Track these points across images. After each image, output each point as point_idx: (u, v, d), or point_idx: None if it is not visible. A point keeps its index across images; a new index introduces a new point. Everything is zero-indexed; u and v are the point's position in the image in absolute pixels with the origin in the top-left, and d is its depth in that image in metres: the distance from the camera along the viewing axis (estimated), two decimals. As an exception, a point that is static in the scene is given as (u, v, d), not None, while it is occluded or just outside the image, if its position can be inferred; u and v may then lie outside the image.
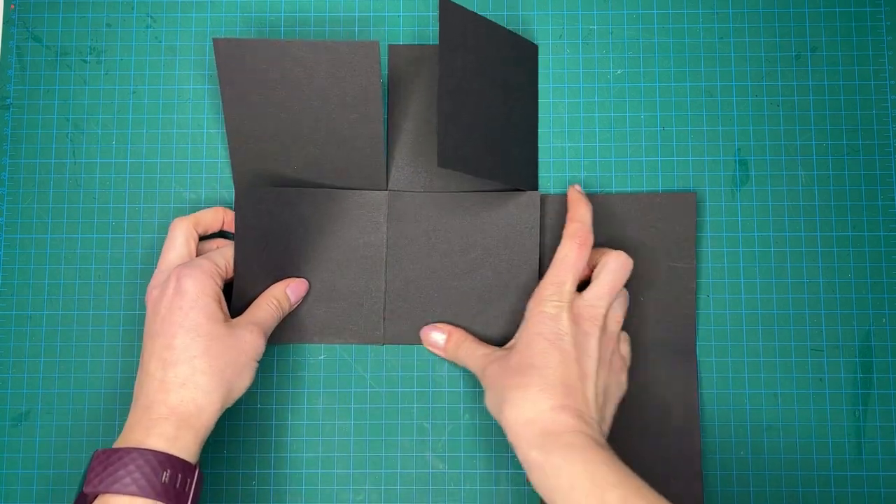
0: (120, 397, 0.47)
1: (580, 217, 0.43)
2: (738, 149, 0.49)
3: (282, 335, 0.47)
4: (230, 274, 0.46)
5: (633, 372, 0.46)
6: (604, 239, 0.47)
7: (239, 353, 0.41)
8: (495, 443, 0.47)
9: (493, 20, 0.50)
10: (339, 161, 0.47)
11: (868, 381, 0.47)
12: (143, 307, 0.48)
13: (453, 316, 0.47)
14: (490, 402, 0.41)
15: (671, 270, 0.47)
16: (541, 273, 0.47)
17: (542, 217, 0.48)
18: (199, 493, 0.39)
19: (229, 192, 0.49)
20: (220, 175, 0.49)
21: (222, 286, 0.44)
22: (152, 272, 0.48)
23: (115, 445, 0.38)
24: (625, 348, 0.44)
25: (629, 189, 0.48)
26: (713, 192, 0.49)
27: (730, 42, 0.50)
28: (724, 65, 0.50)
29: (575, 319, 0.41)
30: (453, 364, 0.47)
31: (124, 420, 0.46)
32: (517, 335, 0.43)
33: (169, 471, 0.37)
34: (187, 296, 0.41)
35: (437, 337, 0.46)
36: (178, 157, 0.49)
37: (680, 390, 0.46)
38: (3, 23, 0.50)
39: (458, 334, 0.46)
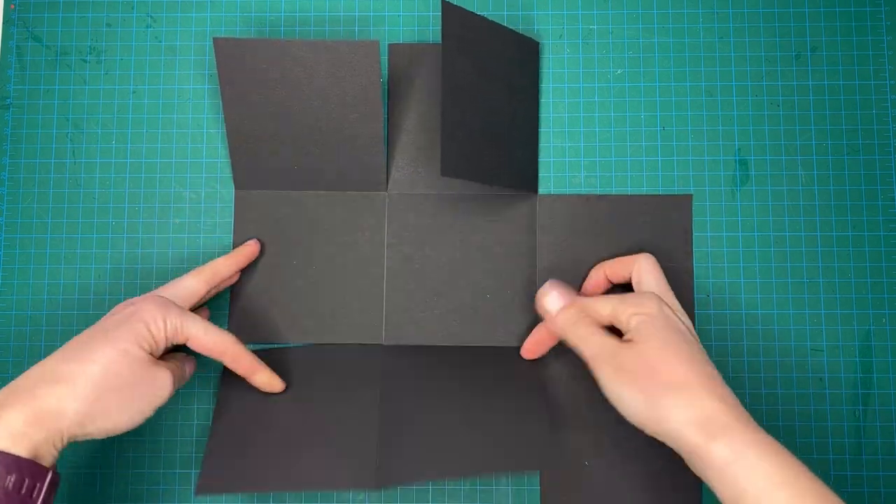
0: (120, 397, 0.47)
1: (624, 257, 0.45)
2: (738, 149, 0.49)
3: (282, 334, 0.47)
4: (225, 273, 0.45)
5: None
6: (602, 240, 0.47)
7: (144, 391, 0.39)
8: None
9: (494, 20, 0.50)
10: (339, 161, 0.47)
11: (868, 381, 0.47)
12: (142, 307, 0.48)
13: (452, 314, 0.47)
14: (632, 401, 0.38)
15: (669, 271, 0.47)
16: (538, 273, 0.47)
17: (539, 217, 0.48)
18: (51, 498, 0.35)
19: (229, 192, 0.49)
20: (220, 175, 0.49)
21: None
22: (152, 272, 0.48)
23: None
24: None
25: (629, 189, 0.48)
26: (713, 192, 0.49)
27: (730, 42, 0.50)
28: (724, 65, 0.50)
29: (673, 314, 0.41)
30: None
31: (124, 420, 0.47)
32: (642, 334, 0.39)
33: (14, 475, 0.33)
34: (136, 317, 0.39)
35: (552, 302, 0.43)
36: (178, 157, 0.49)
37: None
38: (3, 23, 0.50)
39: (578, 308, 0.42)
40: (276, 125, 0.46)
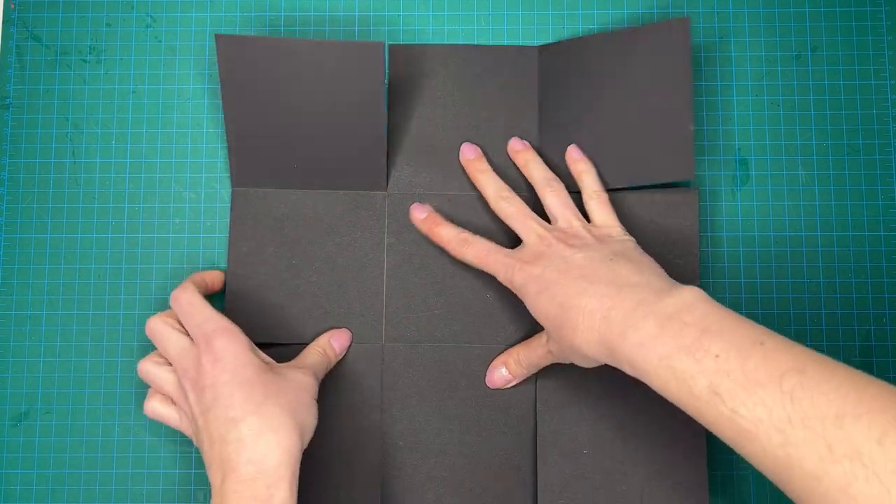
0: (119, 397, 0.47)
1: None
2: (738, 149, 0.49)
3: (281, 334, 0.47)
4: (212, 286, 0.46)
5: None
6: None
7: (298, 392, 0.40)
8: (495, 443, 0.47)
9: (494, 20, 0.50)
10: (339, 161, 0.47)
11: (868, 381, 0.47)
12: (143, 306, 0.48)
13: (453, 314, 0.47)
14: (573, 349, 0.38)
15: (674, 267, 0.47)
16: None
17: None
18: None
19: (229, 192, 0.49)
20: (219, 175, 0.49)
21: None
22: (152, 272, 0.48)
23: None
24: (599, 215, 0.45)
25: (632, 187, 0.48)
26: (713, 192, 0.49)
27: (730, 42, 0.50)
28: (724, 65, 0.50)
29: (559, 240, 0.42)
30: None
31: (124, 421, 0.47)
32: (541, 310, 0.40)
33: None
34: (226, 357, 0.39)
35: (498, 373, 0.46)
36: (178, 157, 0.49)
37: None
38: (3, 22, 0.50)
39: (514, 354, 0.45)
40: (276, 123, 0.46)
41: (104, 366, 0.47)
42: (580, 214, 0.44)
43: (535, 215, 0.44)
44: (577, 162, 0.47)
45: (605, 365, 0.44)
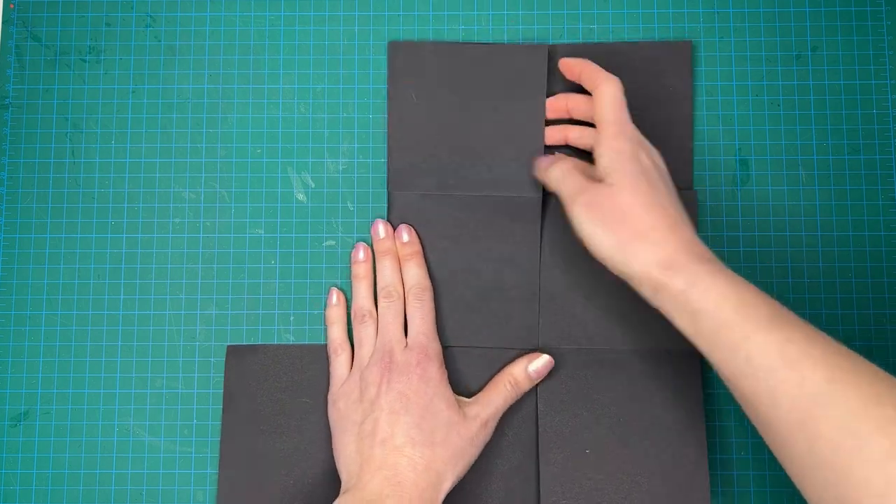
0: (119, 397, 0.47)
1: (593, 67, 0.45)
2: (739, 149, 0.49)
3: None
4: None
5: (637, 372, 0.46)
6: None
7: (471, 446, 0.42)
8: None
9: (494, 20, 0.50)
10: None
11: (868, 381, 0.47)
12: (142, 306, 0.48)
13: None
14: (604, 242, 0.40)
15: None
16: (540, 271, 0.47)
17: (540, 218, 0.48)
18: None
19: (229, 193, 0.49)
20: (219, 175, 0.49)
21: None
22: (152, 272, 0.48)
23: None
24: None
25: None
26: (713, 191, 0.49)
27: (730, 42, 0.50)
28: (724, 65, 0.50)
29: (648, 157, 0.42)
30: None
31: (124, 421, 0.47)
32: (613, 174, 0.41)
33: None
34: (432, 382, 0.42)
35: (543, 162, 0.46)
36: (178, 157, 0.49)
37: (683, 390, 0.46)
38: (3, 22, 0.50)
39: (563, 159, 0.45)
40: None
41: (104, 366, 0.47)
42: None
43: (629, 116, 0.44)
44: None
45: (605, 366, 0.44)
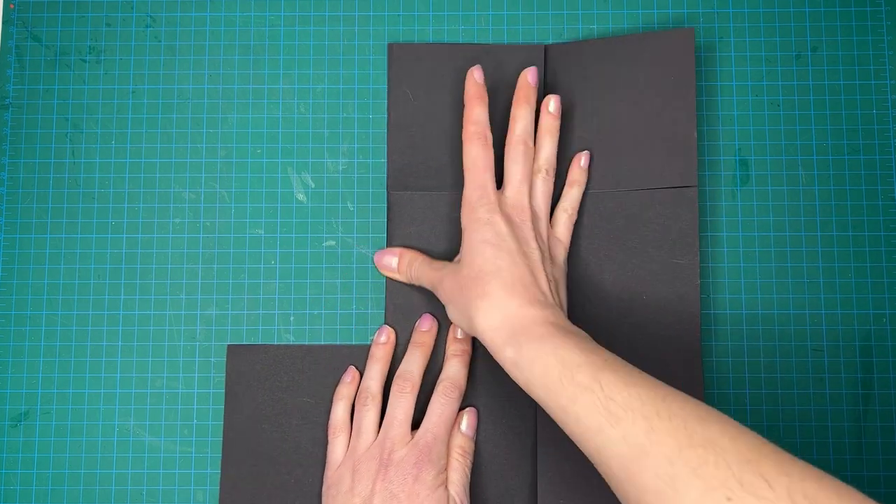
0: (119, 397, 0.47)
1: (475, 118, 0.44)
2: (738, 149, 0.49)
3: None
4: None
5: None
6: (605, 236, 0.47)
7: None
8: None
9: (494, 20, 0.50)
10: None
11: (868, 381, 0.47)
12: (142, 306, 0.48)
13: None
14: (455, 316, 0.42)
15: (674, 267, 0.47)
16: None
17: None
18: None
19: (229, 193, 0.49)
20: (219, 175, 0.49)
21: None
22: (152, 272, 0.48)
23: None
24: (561, 228, 0.46)
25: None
26: (713, 191, 0.49)
27: (730, 42, 0.50)
28: (724, 65, 0.50)
29: (507, 217, 0.42)
30: None
31: (124, 421, 0.47)
32: (462, 248, 0.43)
33: None
34: (426, 487, 0.41)
35: (389, 260, 0.47)
36: (178, 157, 0.49)
37: (684, 389, 0.46)
38: (3, 22, 0.50)
39: (409, 254, 0.46)
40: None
41: (104, 366, 0.47)
42: (541, 209, 0.45)
43: (492, 178, 0.44)
44: (577, 171, 0.47)
45: None
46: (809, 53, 0.50)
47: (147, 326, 0.48)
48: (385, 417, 0.44)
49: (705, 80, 0.50)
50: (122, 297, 0.48)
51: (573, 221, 0.47)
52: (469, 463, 0.44)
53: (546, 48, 0.49)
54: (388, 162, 0.48)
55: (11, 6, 0.50)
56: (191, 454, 0.47)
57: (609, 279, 0.47)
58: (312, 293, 0.48)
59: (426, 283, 0.45)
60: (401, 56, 0.49)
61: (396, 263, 0.46)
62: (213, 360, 0.47)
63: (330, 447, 0.45)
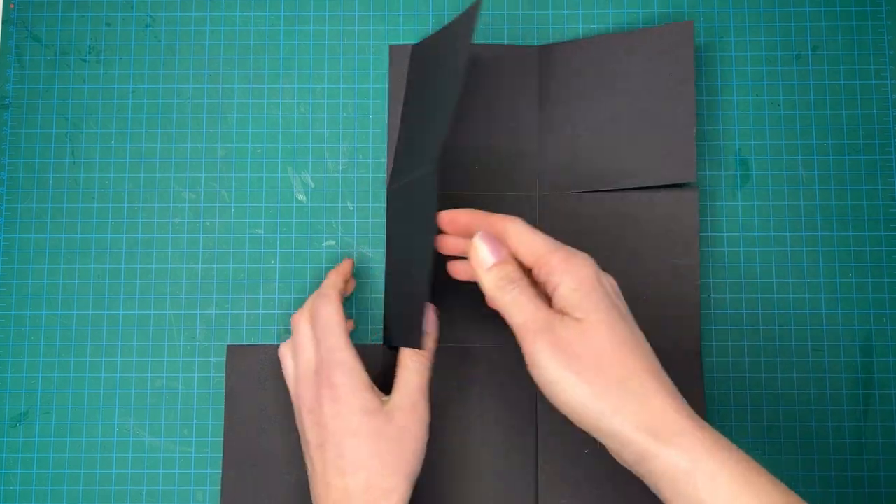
0: (119, 397, 0.47)
1: (482, 214, 0.40)
2: (739, 149, 0.49)
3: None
4: (349, 288, 0.46)
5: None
6: (604, 238, 0.47)
7: (406, 441, 0.38)
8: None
9: (494, 20, 0.50)
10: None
11: (869, 381, 0.47)
12: (142, 306, 0.48)
13: (453, 316, 0.47)
14: (575, 394, 0.34)
15: (674, 268, 0.47)
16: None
17: (540, 215, 0.48)
18: None
19: (229, 193, 0.49)
20: (219, 175, 0.49)
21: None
22: (152, 272, 0.48)
23: None
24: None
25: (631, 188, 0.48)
26: (713, 191, 0.49)
27: (730, 42, 0.50)
28: (725, 65, 0.50)
29: (607, 278, 0.37)
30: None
31: (124, 421, 0.47)
32: (581, 309, 0.35)
33: None
34: (342, 398, 0.39)
35: (485, 256, 0.38)
36: (178, 157, 0.49)
37: (684, 389, 0.46)
38: (3, 22, 0.50)
39: (511, 267, 0.37)
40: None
41: (104, 366, 0.47)
42: None
43: None
44: None
45: None
46: (809, 53, 0.50)
47: (147, 326, 0.48)
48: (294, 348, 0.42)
49: (705, 79, 0.49)
50: (122, 297, 0.48)
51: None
52: (426, 366, 0.41)
53: (540, 48, 0.49)
54: (387, 162, 0.48)
55: (11, 6, 0.50)
56: (191, 454, 0.47)
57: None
58: (312, 293, 0.48)
59: (519, 315, 0.36)
60: (400, 57, 0.49)
61: (490, 264, 0.37)
62: (213, 360, 0.47)
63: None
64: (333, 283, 0.43)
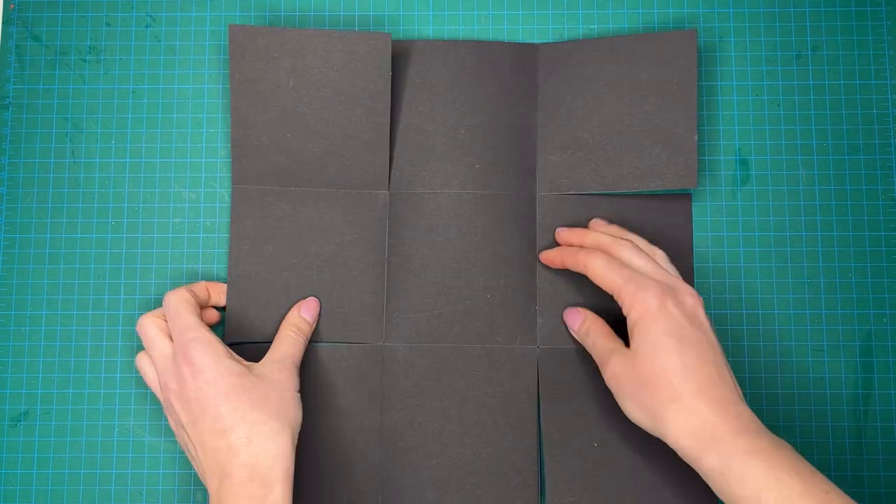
0: (119, 397, 0.47)
1: (569, 252, 0.45)
2: (739, 149, 0.49)
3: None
4: (214, 298, 0.46)
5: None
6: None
7: (281, 392, 0.41)
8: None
9: (494, 20, 0.50)
10: (342, 158, 0.47)
11: (868, 381, 0.47)
12: (142, 306, 0.48)
13: (452, 314, 0.47)
14: (635, 413, 0.40)
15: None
16: (537, 272, 0.47)
17: (539, 216, 0.48)
18: None
19: (229, 192, 0.49)
20: (219, 175, 0.49)
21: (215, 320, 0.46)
22: (152, 272, 0.48)
23: None
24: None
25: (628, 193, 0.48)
26: (713, 191, 0.49)
27: (730, 42, 0.50)
28: (725, 65, 0.50)
29: (679, 302, 0.40)
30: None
31: (124, 421, 0.47)
32: (636, 337, 0.40)
33: None
34: (205, 369, 0.40)
35: (573, 320, 0.46)
36: (178, 157, 0.49)
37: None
38: (3, 22, 0.50)
39: (592, 319, 0.45)
40: (283, 118, 0.46)
41: (104, 366, 0.47)
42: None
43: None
44: (611, 227, 0.46)
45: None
46: (809, 53, 0.50)
47: (147, 326, 0.48)
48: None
49: (706, 80, 0.50)
50: (122, 297, 0.48)
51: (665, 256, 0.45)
52: (302, 341, 0.45)
53: (539, 47, 0.49)
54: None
55: (11, 6, 0.50)
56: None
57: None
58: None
59: (596, 357, 0.43)
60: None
61: (578, 325, 0.45)
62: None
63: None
64: (191, 284, 0.46)
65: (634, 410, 0.40)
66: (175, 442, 0.47)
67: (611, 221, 0.47)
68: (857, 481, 0.46)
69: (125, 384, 0.47)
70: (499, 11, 0.50)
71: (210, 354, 0.40)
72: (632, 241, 0.44)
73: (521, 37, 0.50)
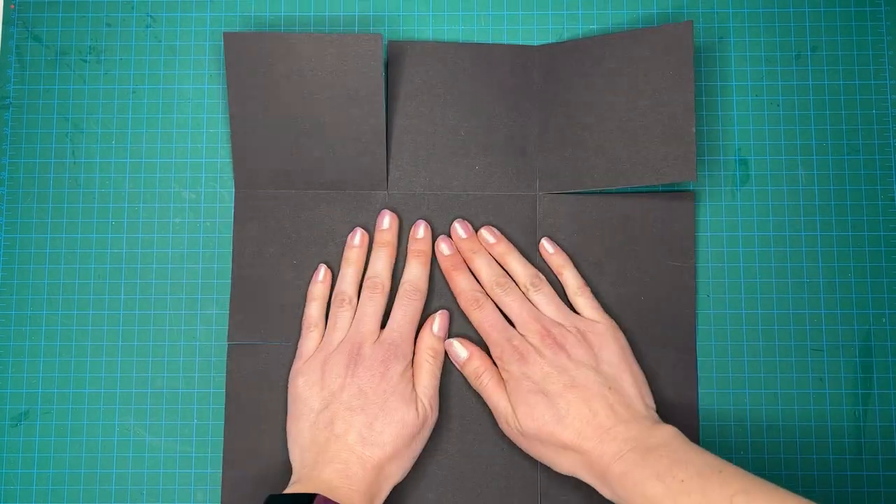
0: (120, 397, 0.47)
1: (459, 287, 0.46)
2: (738, 149, 0.49)
3: (283, 334, 0.47)
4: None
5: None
6: (602, 239, 0.47)
7: (422, 438, 0.43)
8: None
9: (494, 20, 0.50)
10: (340, 159, 0.47)
11: (868, 380, 0.47)
12: (142, 306, 0.48)
13: (452, 315, 0.47)
14: (539, 457, 0.43)
15: (670, 269, 0.47)
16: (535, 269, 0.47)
17: (539, 217, 0.48)
18: None
19: (229, 192, 0.49)
20: (219, 175, 0.49)
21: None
22: (152, 272, 0.48)
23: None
24: (589, 312, 0.46)
25: (630, 190, 0.48)
26: (713, 191, 0.49)
27: (730, 42, 0.50)
28: (724, 65, 0.50)
29: (538, 351, 0.43)
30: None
31: (124, 421, 0.47)
32: (510, 400, 0.43)
33: None
34: (392, 381, 0.42)
35: (458, 352, 0.46)
36: (178, 157, 0.49)
37: (679, 390, 0.46)
38: (3, 23, 0.50)
39: (481, 360, 0.45)
40: (281, 122, 0.46)
41: (104, 366, 0.47)
42: (567, 310, 0.45)
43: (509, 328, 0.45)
44: (553, 256, 0.47)
45: None
46: (809, 53, 0.50)
47: (147, 326, 0.48)
48: (356, 318, 0.45)
49: (705, 80, 0.50)
50: (122, 297, 0.48)
51: (591, 295, 0.46)
52: (439, 366, 0.45)
53: (540, 48, 0.49)
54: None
55: (11, 6, 0.50)
56: (191, 454, 0.47)
57: (606, 281, 0.47)
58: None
59: (489, 402, 0.44)
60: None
61: (464, 359, 0.45)
62: (212, 360, 0.47)
63: (302, 340, 0.45)
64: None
65: (537, 455, 0.43)
66: (175, 442, 0.47)
67: (611, 222, 0.47)
68: (857, 481, 0.46)
69: (125, 384, 0.47)
70: (499, 11, 0.50)
71: (404, 375, 0.43)
72: (531, 280, 0.46)
73: (521, 37, 0.50)
